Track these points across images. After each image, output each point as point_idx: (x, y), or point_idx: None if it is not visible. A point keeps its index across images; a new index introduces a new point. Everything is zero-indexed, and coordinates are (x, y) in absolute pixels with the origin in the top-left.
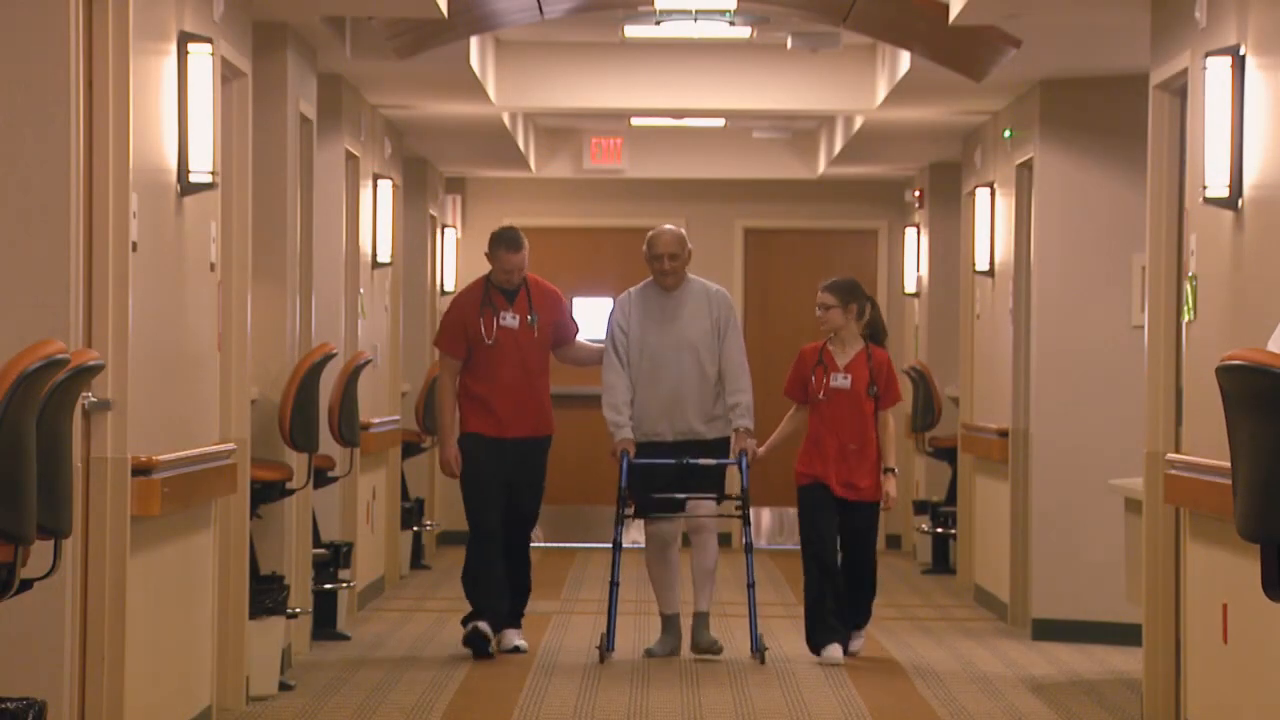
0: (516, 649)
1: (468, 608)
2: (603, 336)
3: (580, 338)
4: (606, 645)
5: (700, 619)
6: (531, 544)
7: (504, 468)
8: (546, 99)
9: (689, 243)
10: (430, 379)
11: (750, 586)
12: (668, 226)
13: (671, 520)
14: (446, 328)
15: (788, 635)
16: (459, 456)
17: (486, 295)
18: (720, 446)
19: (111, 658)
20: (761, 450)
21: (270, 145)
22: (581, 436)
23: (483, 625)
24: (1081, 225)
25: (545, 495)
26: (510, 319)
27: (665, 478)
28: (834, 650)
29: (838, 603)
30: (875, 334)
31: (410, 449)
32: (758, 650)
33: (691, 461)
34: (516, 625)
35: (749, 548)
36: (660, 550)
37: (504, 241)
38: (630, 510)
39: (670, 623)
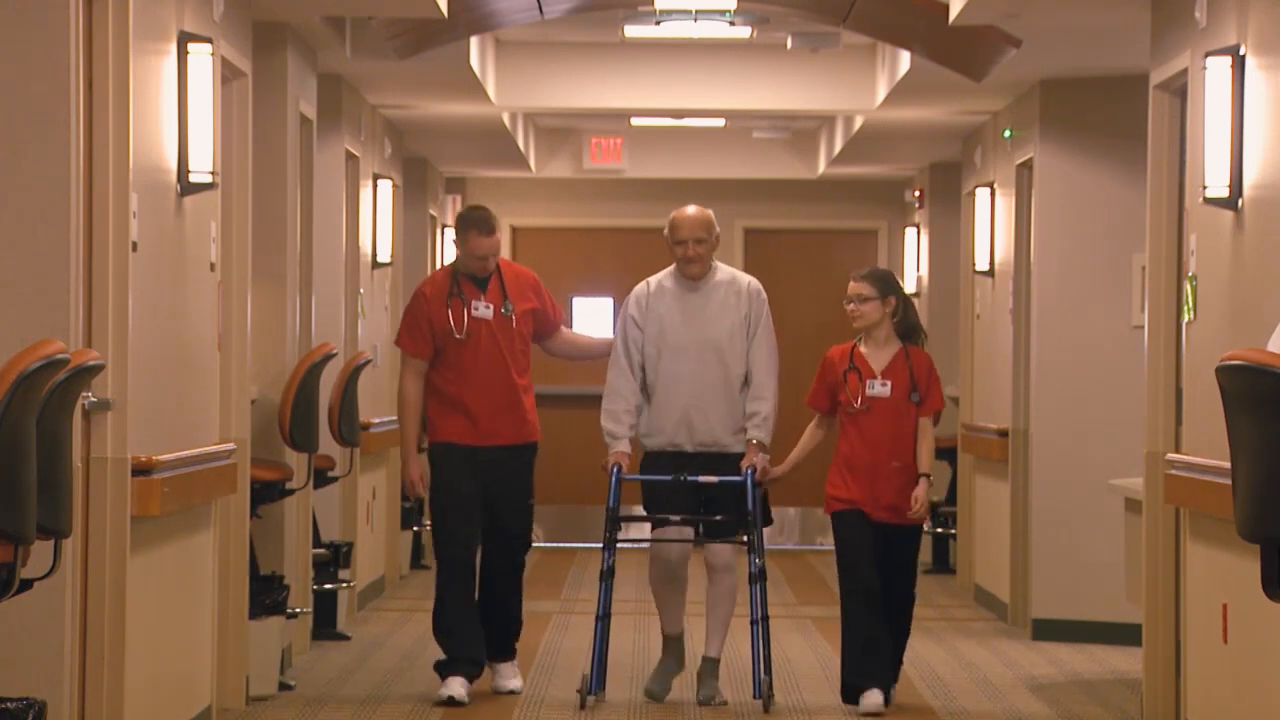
0: (511, 693)
1: None
2: (610, 333)
3: (578, 330)
4: (589, 688)
5: (708, 665)
6: (524, 571)
7: (482, 483)
8: (546, 99)
9: (717, 226)
10: None
11: (755, 623)
12: (692, 207)
13: (681, 539)
14: (409, 323)
15: (789, 636)
16: (425, 475)
17: (455, 284)
18: None
19: (111, 658)
20: (779, 470)
21: (270, 145)
22: (581, 436)
23: (456, 689)
24: (1081, 225)
25: (544, 495)
26: (484, 308)
27: (678, 497)
28: (874, 697)
29: (883, 641)
30: (910, 332)
31: None
32: (762, 695)
33: (690, 478)
34: (509, 657)
35: (755, 577)
36: (667, 573)
37: (475, 224)
38: (626, 531)
39: (672, 644)
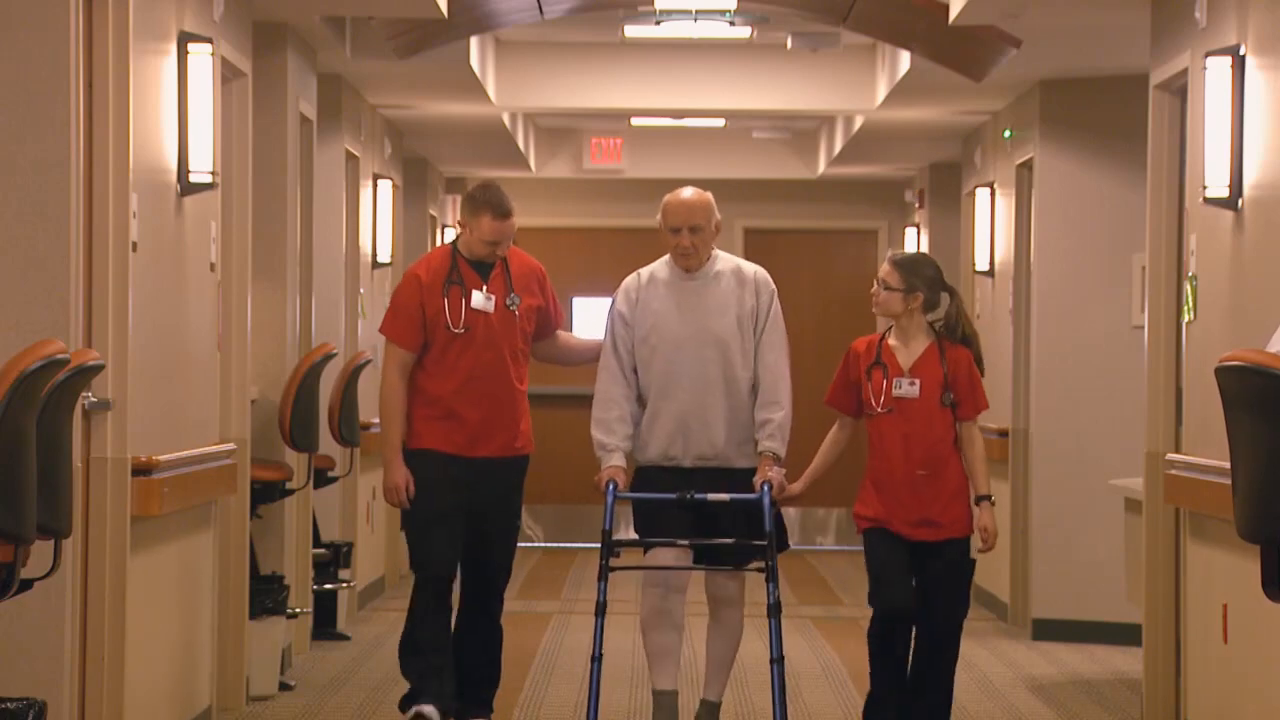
0: None
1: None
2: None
3: (577, 332)
4: None
5: (708, 709)
6: (503, 609)
7: (467, 499)
8: (546, 99)
9: (717, 211)
10: None
11: (775, 662)
12: (688, 190)
13: (678, 559)
14: (400, 310)
15: (789, 636)
16: (410, 481)
17: (454, 269)
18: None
19: (111, 658)
20: (796, 487)
21: (270, 145)
22: (581, 436)
23: (428, 712)
24: (1081, 225)
25: (543, 495)
26: (485, 300)
27: (676, 516)
28: None
29: (901, 699)
30: (953, 332)
31: None
32: None
33: (698, 495)
34: (484, 712)
35: (775, 609)
36: (660, 600)
37: (489, 204)
38: (621, 557)
39: (664, 701)
